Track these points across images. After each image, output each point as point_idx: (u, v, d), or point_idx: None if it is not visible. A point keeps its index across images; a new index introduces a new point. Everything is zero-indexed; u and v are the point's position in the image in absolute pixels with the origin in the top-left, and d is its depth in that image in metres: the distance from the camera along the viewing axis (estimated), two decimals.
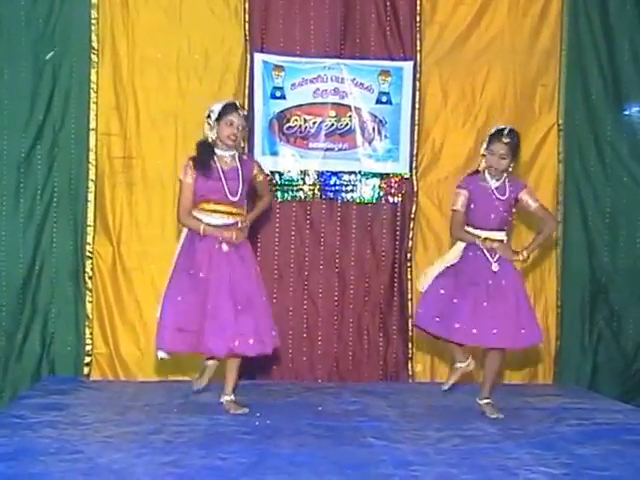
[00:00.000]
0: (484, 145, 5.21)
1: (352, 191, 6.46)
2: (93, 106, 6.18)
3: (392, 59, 6.44)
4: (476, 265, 5.13)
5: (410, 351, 6.47)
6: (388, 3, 6.41)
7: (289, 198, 6.42)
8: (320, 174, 6.43)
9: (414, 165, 6.46)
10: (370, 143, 6.45)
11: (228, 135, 5.04)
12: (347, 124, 6.44)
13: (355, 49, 6.44)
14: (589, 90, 6.65)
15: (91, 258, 6.21)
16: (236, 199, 5.06)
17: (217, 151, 5.11)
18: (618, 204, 6.70)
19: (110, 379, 6.21)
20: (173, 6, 6.26)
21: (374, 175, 6.46)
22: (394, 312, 6.49)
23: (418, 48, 6.42)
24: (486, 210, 5.15)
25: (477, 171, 5.27)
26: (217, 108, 5.08)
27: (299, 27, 6.38)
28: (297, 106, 6.40)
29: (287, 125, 6.40)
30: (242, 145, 5.23)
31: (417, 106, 6.44)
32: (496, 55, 6.49)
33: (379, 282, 6.51)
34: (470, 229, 5.18)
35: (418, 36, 6.42)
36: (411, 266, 6.46)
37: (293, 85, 6.38)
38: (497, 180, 5.18)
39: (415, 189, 6.44)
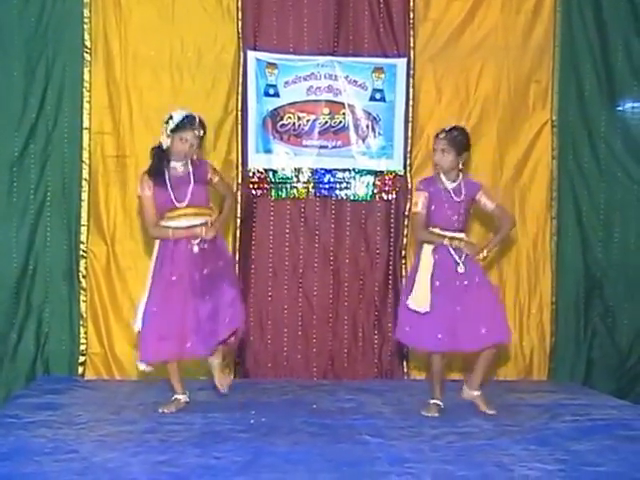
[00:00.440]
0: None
1: (346, 188, 6.46)
2: (86, 105, 6.17)
3: (386, 56, 6.43)
4: (447, 270, 5.12)
5: (405, 348, 6.46)
6: (381, 0, 6.40)
7: (283, 196, 6.42)
8: (314, 172, 6.43)
9: (408, 162, 6.46)
10: (364, 140, 6.45)
11: (179, 151, 5.05)
12: (341, 121, 6.43)
13: (348, 46, 6.43)
14: (583, 86, 6.65)
15: (85, 257, 6.20)
16: (193, 202, 5.07)
17: (170, 160, 5.10)
18: (612, 200, 6.70)
19: (105, 378, 6.22)
20: (165, 4, 6.25)
21: (368, 172, 6.46)
22: (389, 309, 6.48)
23: (412, 45, 6.42)
24: (448, 212, 5.15)
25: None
26: (176, 118, 5.03)
27: (292, 24, 6.37)
28: (291, 104, 6.39)
29: (281, 123, 6.39)
30: (194, 157, 5.17)
31: (411, 103, 6.44)
32: (490, 52, 6.50)
33: (373, 279, 6.50)
34: (437, 230, 5.18)
35: (411, 33, 6.42)
36: (405, 263, 6.45)
37: (286, 83, 6.37)
38: (453, 181, 5.19)
39: (409, 186, 6.44)
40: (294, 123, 6.40)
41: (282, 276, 6.45)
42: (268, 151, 6.38)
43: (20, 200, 6.22)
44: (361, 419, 5.01)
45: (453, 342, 5.13)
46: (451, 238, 5.13)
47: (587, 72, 6.64)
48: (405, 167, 6.46)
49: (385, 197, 6.47)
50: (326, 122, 6.42)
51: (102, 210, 6.23)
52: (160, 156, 5.10)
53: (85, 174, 6.18)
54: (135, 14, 6.22)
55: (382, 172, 6.46)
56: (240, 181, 6.31)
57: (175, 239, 5.06)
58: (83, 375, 6.20)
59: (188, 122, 5.03)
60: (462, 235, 5.20)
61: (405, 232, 6.45)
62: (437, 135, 5.21)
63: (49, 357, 6.28)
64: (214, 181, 5.29)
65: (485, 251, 5.23)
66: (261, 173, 6.35)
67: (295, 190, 6.43)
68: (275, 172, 6.39)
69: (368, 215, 6.50)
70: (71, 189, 6.24)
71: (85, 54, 6.16)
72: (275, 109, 6.37)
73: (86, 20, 6.15)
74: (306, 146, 6.42)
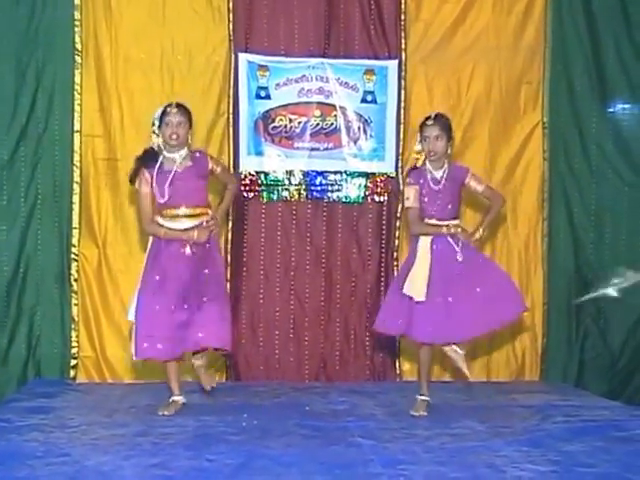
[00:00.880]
0: (417, 139, 5.26)
1: (338, 191, 6.46)
2: (77, 108, 6.15)
3: (377, 58, 6.43)
4: (447, 260, 5.12)
5: (397, 350, 6.47)
6: (372, 2, 6.40)
7: (275, 198, 6.41)
8: (306, 174, 6.42)
9: (400, 164, 6.46)
10: (355, 142, 6.44)
11: (169, 135, 5.05)
12: (332, 123, 6.43)
13: (339, 48, 6.43)
14: (574, 87, 6.67)
15: (77, 260, 6.19)
16: (190, 200, 5.07)
17: (167, 154, 5.10)
18: (603, 201, 6.71)
19: (97, 381, 6.20)
20: (156, 7, 6.24)
21: (360, 174, 6.45)
22: None
23: (403, 46, 6.42)
24: (439, 200, 5.14)
25: (415, 167, 5.28)
26: (156, 114, 5.11)
27: (283, 27, 6.37)
28: (282, 106, 6.39)
29: (272, 125, 6.38)
30: (189, 141, 5.17)
31: (402, 105, 6.44)
32: (481, 53, 6.50)
33: (365, 281, 6.50)
34: (433, 221, 5.17)
35: (403, 34, 6.42)
36: (397, 265, 6.45)
37: (278, 85, 6.37)
38: (440, 169, 5.18)
39: (401, 188, 6.43)
40: (285, 125, 6.40)
41: (274, 278, 6.44)
42: (259, 153, 6.38)
43: (11, 203, 6.21)
44: (354, 421, 5.00)
45: (450, 333, 5.13)
46: (447, 226, 5.13)
47: (578, 73, 6.66)
48: (397, 169, 6.45)
49: (377, 199, 6.47)
50: (317, 124, 6.42)
51: (93, 213, 6.21)
52: (149, 152, 5.12)
53: (76, 177, 6.16)
54: (126, 17, 6.20)
55: (374, 174, 6.45)
56: None
57: (166, 239, 5.06)
58: (75, 378, 6.18)
59: (166, 108, 5.09)
60: (456, 222, 5.18)
61: (397, 234, 6.45)
62: (425, 123, 5.19)
63: (41, 360, 6.28)
64: (217, 171, 5.27)
65: (481, 230, 5.19)
66: (253, 175, 6.34)
67: (287, 192, 6.42)
68: (267, 174, 6.39)
69: (360, 217, 6.50)
70: (62, 192, 6.23)
71: (76, 57, 6.14)
72: (266, 111, 6.37)
73: (77, 23, 6.13)
74: (297, 148, 6.41)
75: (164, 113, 5.08)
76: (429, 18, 6.49)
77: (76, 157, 6.16)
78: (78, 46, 6.14)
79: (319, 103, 6.42)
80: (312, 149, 6.42)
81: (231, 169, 6.25)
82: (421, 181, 5.19)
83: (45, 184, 6.25)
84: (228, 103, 6.30)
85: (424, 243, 5.16)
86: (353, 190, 6.46)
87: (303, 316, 6.45)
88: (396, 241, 6.46)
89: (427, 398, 5.28)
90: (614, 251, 6.73)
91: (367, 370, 6.48)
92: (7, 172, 6.19)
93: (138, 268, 6.04)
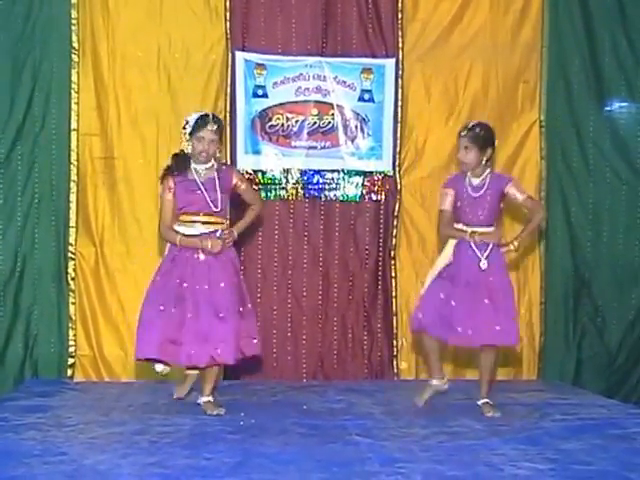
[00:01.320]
0: None
1: (335, 189, 6.46)
2: (74, 106, 6.15)
3: (374, 56, 6.43)
4: (468, 264, 5.13)
5: (395, 349, 6.47)
6: (370, 0, 6.40)
7: (272, 197, 6.41)
8: (303, 173, 6.43)
9: (397, 163, 6.46)
10: (353, 141, 6.44)
11: (200, 152, 5.04)
12: (330, 122, 6.43)
13: (337, 47, 6.43)
14: (571, 86, 6.67)
15: (74, 259, 6.18)
16: (209, 209, 5.04)
17: (193, 164, 5.09)
18: (601, 199, 6.72)
19: (94, 380, 6.19)
20: (153, 5, 6.23)
21: (357, 173, 6.46)
22: (378, 310, 6.49)
23: (400, 45, 6.43)
24: (473, 207, 5.14)
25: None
26: (191, 121, 5.07)
27: (280, 25, 6.37)
28: (279, 104, 6.39)
29: (269, 124, 6.38)
30: (217, 155, 5.17)
31: (400, 103, 6.44)
32: (478, 51, 6.50)
33: (363, 280, 6.50)
34: (460, 226, 5.19)
35: (400, 33, 6.42)
36: (395, 264, 6.46)
37: (275, 83, 6.37)
38: (478, 177, 5.18)
39: (398, 187, 6.44)
40: (283, 124, 6.40)
41: (271, 277, 6.44)
42: (257, 152, 6.38)
43: (7, 202, 6.20)
44: (351, 419, 4.99)
45: (440, 332, 5.15)
46: (472, 232, 5.13)
47: (575, 72, 6.66)
48: (394, 167, 6.46)
49: (374, 198, 6.47)
50: (315, 123, 6.42)
51: (90, 212, 6.21)
52: (181, 158, 5.11)
53: (73, 176, 6.16)
54: (123, 15, 6.20)
55: (371, 173, 6.46)
56: None
57: (181, 246, 5.05)
58: (72, 377, 6.17)
59: (202, 120, 5.04)
60: (489, 230, 5.17)
61: (394, 233, 6.45)
62: (459, 133, 5.20)
63: (38, 359, 6.26)
64: (240, 188, 5.23)
65: (516, 242, 5.18)
66: (250, 174, 6.33)
67: (284, 191, 6.42)
68: (264, 173, 6.39)
69: (357, 216, 6.50)
70: (59, 191, 6.23)
71: (73, 55, 6.14)
72: (264, 110, 6.37)
73: (74, 21, 6.13)
74: (295, 147, 6.41)
75: (199, 127, 5.02)
76: (426, 17, 6.49)
77: (73, 156, 6.16)
78: (75, 44, 6.14)
79: (316, 102, 6.41)
80: (309, 148, 6.42)
81: None
82: (457, 186, 5.21)
83: (42, 183, 6.23)
84: (225, 101, 6.30)
85: (450, 245, 5.23)
86: (350, 189, 6.46)
87: (301, 315, 6.45)
88: (394, 240, 6.46)
89: (434, 382, 5.31)
90: (611, 250, 6.73)
91: (365, 369, 6.48)
92: (4, 171, 6.18)
93: (135, 267, 6.08)
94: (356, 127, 6.44)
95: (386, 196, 6.47)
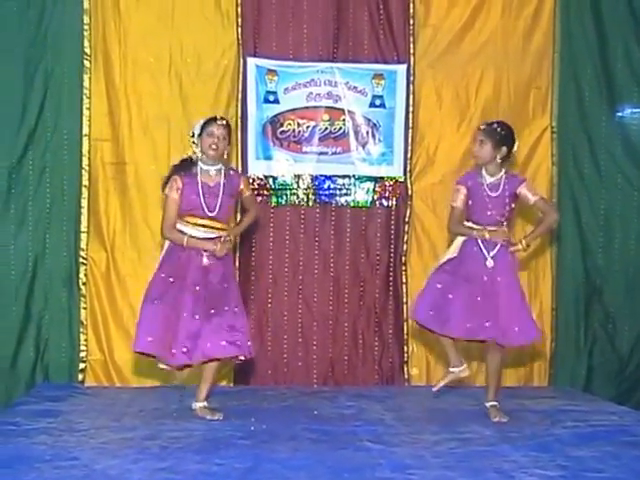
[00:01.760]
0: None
1: (346, 195, 6.46)
2: (86, 112, 6.16)
3: (385, 62, 6.44)
4: (472, 261, 5.12)
5: (406, 355, 6.46)
6: (381, 6, 6.41)
7: (283, 202, 6.41)
8: (314, 178, 6.43)
9: (408, 169, 6.46)
10: (364, 147, 6.45)
11: (209, 145, 5.06)
12: (341, 128, 6.43)
13: (348, 52, 6.44)
14: (582, 92, 6.65)
15: (85, 264, 6.19)
16: (214, 214, 5.07)
17: (202, 166, 5.12)
18: (612, 206, 6.70)
19: (105, 385, 6.20)
20: (165, 11, 6.24)
21: (368, 179, 6.45)
22: (389, 316, 6.48)
23: (412, 51, 6.43)
24: (483, 206, 5.13)
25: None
26: (198, 124, 5.14)
27: (292, 31, 6.38)
28: (290, 110, 6.39)
29: (281, 129, 6.39)
30: (225, 156, 5.20)
31: (411, 109, 6.44)
32: (490, 57, 6.49)
33: (374, 286, 6.50)
34: (469, 224, 5.18)
35: (411, 39, 6.42)
36: (406, 270, 6.46)
37: (286, 89, 6.38)
38: (492, 176, 5.16)
39: (409, 193, 6.44)
40: (294, 130, 6.40)
41: (282, 283, 6.44)
42: (268, 158, 6.38)
43: (19, 207, 6.21)
44: (362, 425, 4.99)
45: (439, 324, 5.13)
46: (478, 230, 5.13)
47: (587, 78, 6.65)
48: (405, 173, 6.45)
49: (385, 203, 6.47)
50: (326, 128, 6.42)
51: (102, 217, 6.22)
52: (186, 161, 5.15)
53: (85, 181, 6.17)
54: (135, 20, 6.22)
55: (382, 178, 6.46)
56: None
57: (187, 247, 5.06)
58: (83, 382, 6.18)
59: (210, 119, 5.12)
60: (496, 228, 5.14)
61: (405, 238, 6.45)
62: (479, 126, 5.25)
63: (49, 364, 6.27)
64: (245, 194, 5.30)
65: (524, 241, 5.16)
66: (261, 180, 6.34)
67: (295, 197, 6.42)
68: (275, 179, 6.39)
69: (368, 221, 6.50)
70: (70, 196, 6.24)
71: (85, 61, 6.15)
72: (275, 116, 6.38)
73: (85, 27, 6.15)
74: (306, 152, 6.42)
75: (207, 123, 5.09)
76: (438, 23, 6.49)
77: (85, 161, 6.17)
78: (87, 50, 6.16)
79: (328, 107, 6.42)
80: (320, 153, 6.42)
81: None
82: (469, 183, 5.19)
83: (53, 188, 6.25)
84: (236, 107, 6.31)
85: (457, 241, 5.23)
86: (361, 194, 6.46)
87: (311, 320, 6.45)
88: (404, 246, 6.45)
89: (453, 369, 5.21)
90: (623, 256, 6.71)
91: (375, 374, 6.47)
92: (16, 176, 6.19)
93: (146, 272, 6.05)
94: (367, 133, 6.44)
95: (397, 202, 6.47)
